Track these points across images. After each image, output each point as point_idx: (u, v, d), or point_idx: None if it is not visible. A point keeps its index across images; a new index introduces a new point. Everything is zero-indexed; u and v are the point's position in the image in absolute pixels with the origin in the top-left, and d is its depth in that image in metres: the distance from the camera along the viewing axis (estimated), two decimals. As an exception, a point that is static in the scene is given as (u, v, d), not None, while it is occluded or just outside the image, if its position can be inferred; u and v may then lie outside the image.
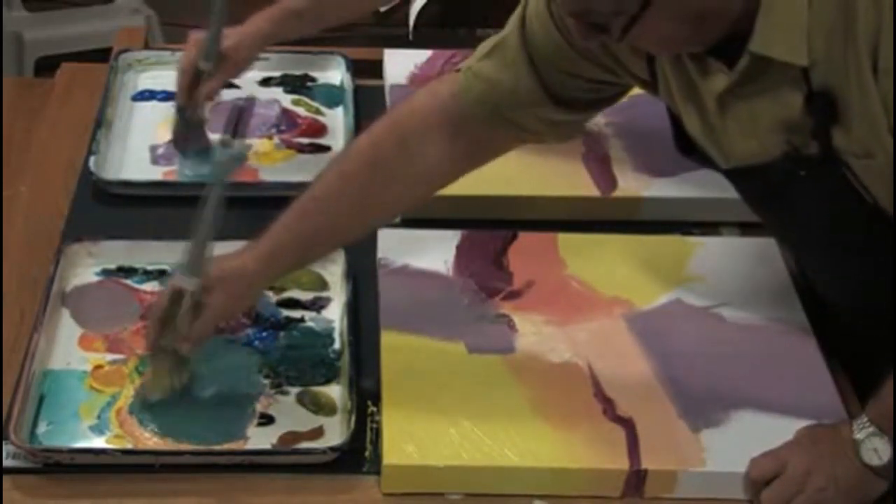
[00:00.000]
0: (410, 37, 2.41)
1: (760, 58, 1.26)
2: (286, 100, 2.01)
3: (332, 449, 1.38)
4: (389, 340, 1.51)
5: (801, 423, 1.41)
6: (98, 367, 1.49)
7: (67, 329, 1.55)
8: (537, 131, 1.49)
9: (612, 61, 1.43)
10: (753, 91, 1.31)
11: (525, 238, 1.70)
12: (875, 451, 1.34)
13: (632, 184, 1.81)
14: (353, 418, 1.40)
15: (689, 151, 1.46)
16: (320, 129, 1.95)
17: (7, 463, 1.37)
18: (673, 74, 1.39)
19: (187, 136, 1.84)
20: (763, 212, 1.50)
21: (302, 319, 1.58)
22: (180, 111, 1.82)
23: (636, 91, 2.01)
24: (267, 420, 1.44)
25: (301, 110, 1.99)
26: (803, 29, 1.24)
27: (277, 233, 1.45)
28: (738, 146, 1.36)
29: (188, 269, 1.40)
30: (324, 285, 1.63)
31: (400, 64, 2.06)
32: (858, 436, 1.34)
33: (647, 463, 1.38)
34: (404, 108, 1.50)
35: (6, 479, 1.35)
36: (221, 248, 1.64)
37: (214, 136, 1.86)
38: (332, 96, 2.02)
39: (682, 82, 1.39)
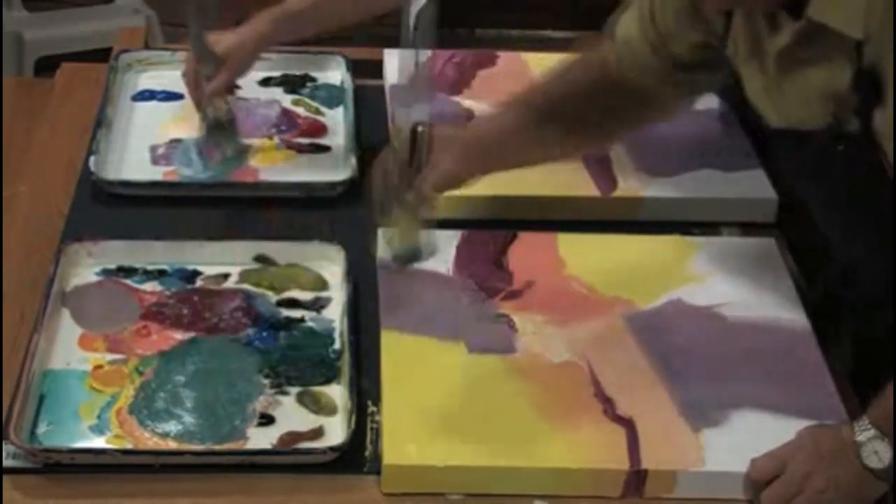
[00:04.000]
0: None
1: (817, 24, 1.28)
2: (286, 100, 2.01)
3: (332, 449, 1.38)
4: (389, 340, 1.51)
5: (801, 423, 1.41)
6: (98, 367, 1.49)
7: (67, 329, 1.55)
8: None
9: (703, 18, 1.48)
10: (809, 57, 1.33)
11: (525, 238, 1.70)
12: (876, 453, 1.34)
13: (632, 184, 1.81)
14: (353, 418, 1.40)
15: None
16: (320, 129, 1.95)
17: (7, 463, 1.36)
18: (743, 31, 1.42)
19: (218, 141, 1.85)
20: (796, 174, 1.53)
21: (302, 319, 1.58)
22: (204, 119, 1.84)
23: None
24: (267, 420, 1.44)
25: (301, 110, 1.99)
26: (861, 3, 1.25)
27: (480, 128, 1.55)
28: (789, 108, 1.39)
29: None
30: (324, 285, 1.63)
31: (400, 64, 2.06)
32: (859, 438, 1.34)
33: (647, 463, 1.38)
34: None
35: (6, 479, 1.35)
36: (222, 248, 1.65)
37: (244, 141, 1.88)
38: (332, 96, 2.02)
39: (750, 39, 1.41)
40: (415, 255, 1.55)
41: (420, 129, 1.46)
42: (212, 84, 1.79)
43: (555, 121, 1.57)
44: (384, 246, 1.58)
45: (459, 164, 1.56)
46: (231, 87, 1.89)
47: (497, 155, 1.60)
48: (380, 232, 1.58)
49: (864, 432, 1.34)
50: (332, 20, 1.85)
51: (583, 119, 1.59)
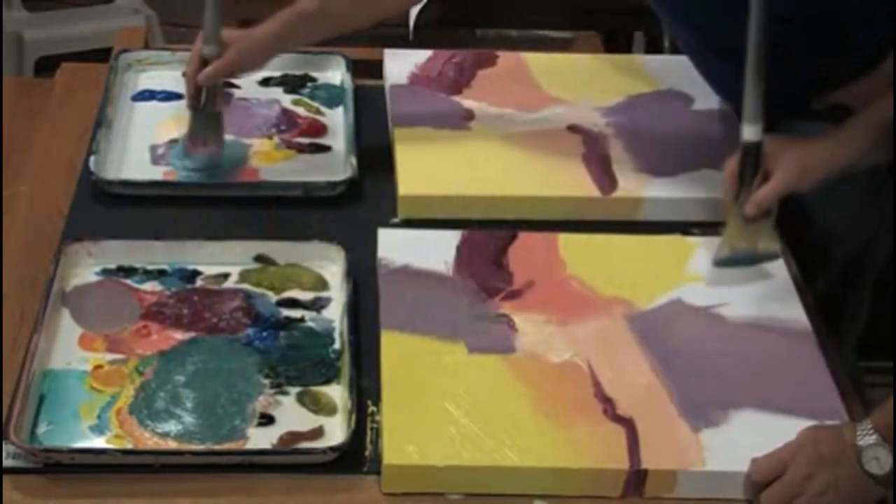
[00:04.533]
0: (410, 37, 2.41)
1: None
2: (286, 100, 2.01)
3: (332, 449, 1.38)
4: (389, 340, 1.51)
5: (802, 423, 1.41)
6: (98, 367, 1.49)
7: (67, 329, 1.54)
8: None
9: None
10: None
11: (525, 238, 1.70)
12: (876, 459, 1.34)
13: (632, 184, 1.81)
14: (353, 418, 1.40)
15: None
16: (320, 129, 1.95)
17: (7, 463, 1.36)
18: None
19: (204, 135, 1.82)
20: None
21: (302, 319, 1.58)
22: (193, 108, 1.81)
23: (636, 91, 2.03)
24: (267, 420, 1.44)
25: (301, 110, 1.99)
26: None
27: (854, 121, 1.52)
28: None
29: (749, 117, 1.47)
30: (324, 285, 1.63)
31: (400, 64, 2.07)
32: (860, 442, 1.34)
33: (647, 463, 1.38)
34: None
35: (6, 479, 1.35)
36: (222, 248, 1.65)
37: (229, 137, 1.85)
38: (332, 96, 2.02)
39: None
40: (750, 258, 1.57)
41: (750, 144, 1.50)
42: (208, 68, 1.76)
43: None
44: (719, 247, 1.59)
45: (798, 179, 1.53)
46: (228, 80, 1.87)
47: (839, 162, 1.56)
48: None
49: (866, 437, 1.34)
50: (345, 22, 1.84)
51: None
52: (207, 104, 1.79)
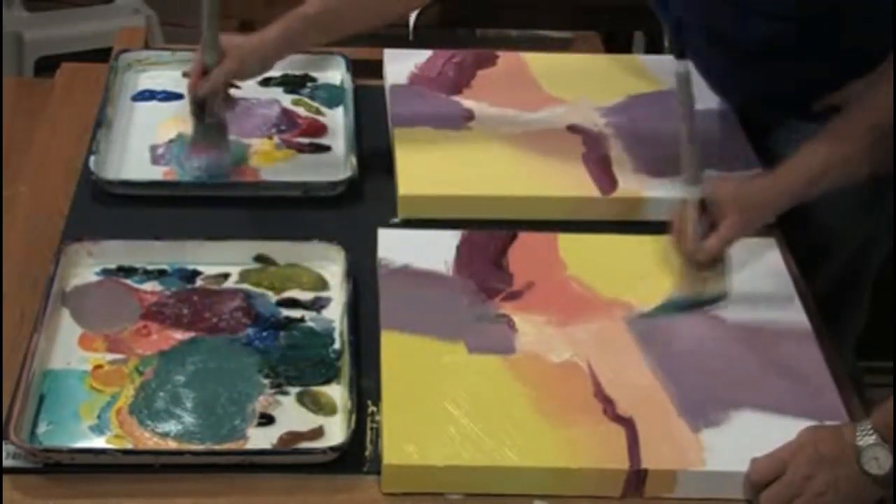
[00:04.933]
0: (410, 37, 2.41)
1: None
2: (286, 100, 2.01)
3: (332, 449, 1.38)
4: (389, 340, 1.51)
5: (802, 424, 1.41)
6: (98, 367, 1.49)
7: (67, 329, 1.54)
8: None
9: None
10: None
11: (525, 238, 1.70)
12: (876, 459, 1.34)
13: (632, 184, 1.81)
14: (353, 418, 1.40)
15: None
16: (320, 129, 1.95)
17: (7, 463, 1.36)
18: None
19: (207, 143, 1.81)
20: None
21: (302, 319, 1.58)
22: (196, 114, 1.80)
23: (636, 91, 2.02)
24: (267, 420, 1.44)
25: (301, 110, 1.99)
26: None
27: (792, 172, 1.56)
28: None
29: (689, 181, 1.55)
30: (324, 285, 1.63)
31: (400, 64, 2.07)
32: (860, 442, 1.34)
33: (647, 463, 1.38)
34: None
35: (6, 479, 1.35)
36: (222, 248, 1.65)
37: (233, 138, 1.85)
38: (332, 96, 2.02)
39: None
40: (696, 302, 1.59)
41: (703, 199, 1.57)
42: (207, 78, 1.76)
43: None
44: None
45: (743, 225, 1.56)
46: (228, 88, 1.87)
47: (781, 206, 1.61)
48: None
49: (866, 437, 1.34)
50: (347, 27, 1.82)
51: None
52: (210, 113, 1.79)
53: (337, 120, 1.96)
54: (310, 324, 1.57)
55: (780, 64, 1.77)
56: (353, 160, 1.82)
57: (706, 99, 1.98)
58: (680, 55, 1.51)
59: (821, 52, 1.73)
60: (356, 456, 1.40)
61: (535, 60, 2.10)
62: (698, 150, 1.57)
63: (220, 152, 1.82)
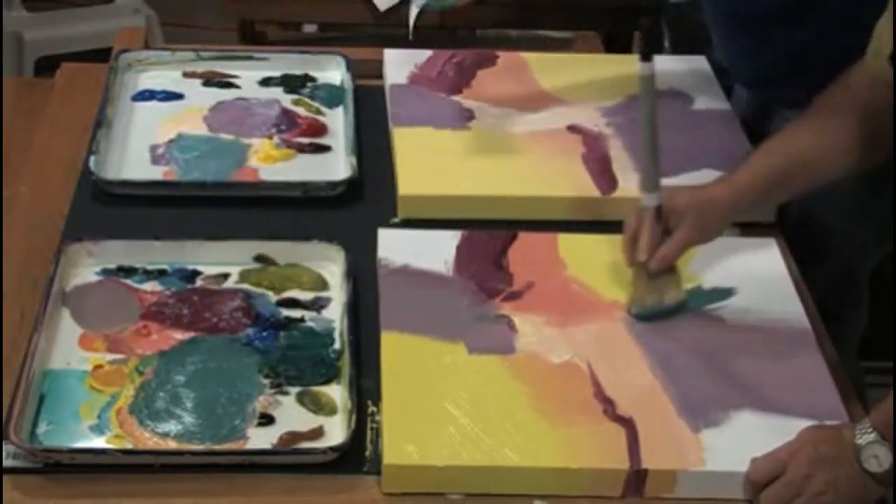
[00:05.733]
0: (410, 37, 2.41)
1: None
2: (286, 100, 2.01)
3: (332, 449, 1.38)
4: (389, 340, 1.51)
5: (802, 423, 1.41)
6: (98, 367, 1.49)
7: (67, 329, 1.54)
8: None
9: None
10: None
11: (525, 238, 1.70)
12: (876, 457, 1.34)
13: (632, 184, 1.80)
14: (353, 418, 1.40)
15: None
16: (320, 129, 1.95)
17: (7, 463, 1.37)
18: None
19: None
20: None
21: (302, 319, 1.58)
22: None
23: (636, 91, 2.02)
24: (267, 420, 1.44)
25: (301, 110, 1.99)
26: None
27: (748, 169, 1.56)
28: None
29: (645, 187, 1.54)
30: (324, 285, 1.63)
31: (400, 64, 2.07)
32: (860, 441, 1.34)
33: (647, 463, 1.38)
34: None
35: (6, 479, 1.35)
36: (222, 248, 1.65)
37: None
38: (332, 96, 2.02)
39: None
40: (659, 311, 1.58)
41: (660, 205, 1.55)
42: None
43: (797, 177, 1.56)
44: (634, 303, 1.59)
45: (700, 230, 1.56)
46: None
47: (736, 214, 1.60)
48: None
49: (865, 435, 1.34)
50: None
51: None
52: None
53: (337, 120, 1.96)
54: (310, 324, 1.57)
55: (777, 30, 1.79)
56: (353, 160, 1.82)
57: (707, 99, 1.98)
58: (645, 58, 1.51)
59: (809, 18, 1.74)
60: (356, 456, 1.40)
61: (535, 60, 2.11)
62: (657, 156, 1.56)
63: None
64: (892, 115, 1.47)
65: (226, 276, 1.64)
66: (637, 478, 1.38)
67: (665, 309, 1.58)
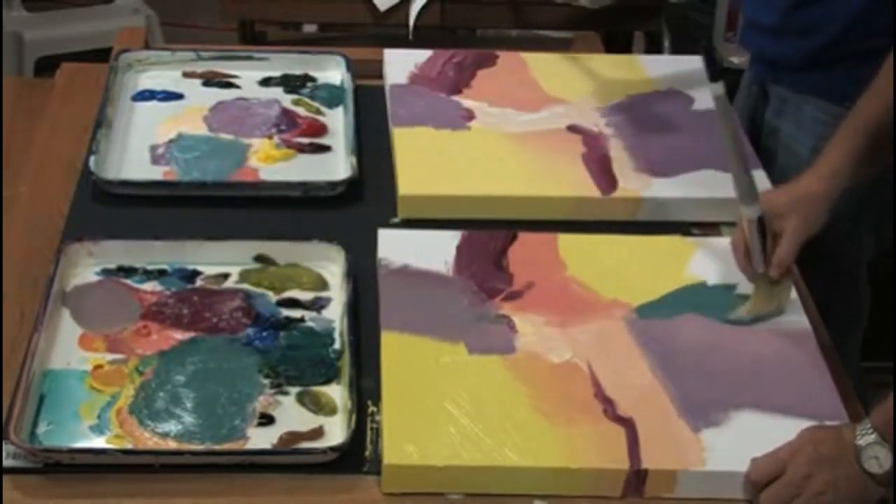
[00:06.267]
0: (410, 37, 2.41)
1: None
2: (286, 100, 2.01)
3: (332, 449, 1.38)
4: (389, 340, 1.51)
5: (802, 424, 1.41)
6: (98, 367, 1.49)
7: (67, 329, 1.54)
8: None
9: None
10: None
11: (525, 238, 1.70)
12: (876, 458, 1.34)
13: (632, 184, 1.81)
14: (353, 418, 1.40)
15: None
16: (320, 129, 1.95)
17: (7, 463, 1.37)
18: None
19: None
20: None
21: (302, 319, 1.58)
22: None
23: (636, 91, 2.03)
24: (267, 420, 1.44)
25: (301, 110, 1.99)
26: None
27: (833, 153, 1.58)
28: None
29: (744, 200, 1.54)
30: (324, 285, 1.63)
31: (400, 64, 2.07)
32: (860, 442, 1.34)
33: (647, 463, 1.38)
34: None
35: (6, 479, 1.35)
36: (222, 248, 1.65)
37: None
38: (332, 96, 2.02)
39: None
40: (773, 314, 1.59)
41: (761, 217, 1.55)
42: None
43: (880, 143, 1.58)
44: (744, 309, 1.59)
45: (806, 225, 1.57)
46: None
47: (835, 199, 1.60)
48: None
49: (865, 436, 1.34)
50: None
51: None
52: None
53: (337, 120, 1.96)
54: (310, 324, 1.57)
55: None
56: (353, 160, 1.82)
57: (707, 99, 1.97)
58: (714, 77, 1.51)
59: None
60: (356, 456, 1.40)
61: (535, 60, 2.11)
62: (748, 168, 1.55)
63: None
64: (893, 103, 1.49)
65: (226, 276, 1.64)
66: (637, 478, 1.38)
67: (778, 312, 1.59)
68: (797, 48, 1.87)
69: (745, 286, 1.62)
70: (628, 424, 1.42)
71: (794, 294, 1.62)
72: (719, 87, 1.49)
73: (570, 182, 1.81)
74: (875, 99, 1.59)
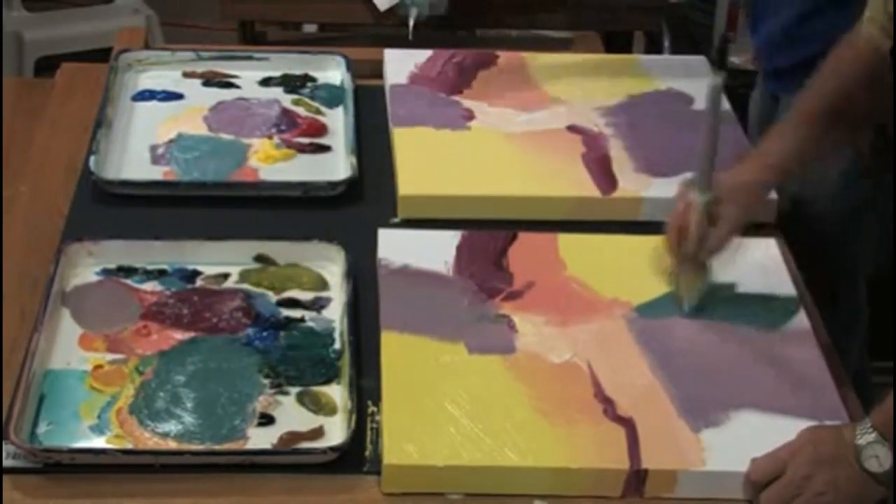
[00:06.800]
0: (410, 37, 2.41)
1: None
2: (286, 100, 2.01)
3: (332, 449, 1.38)
4: (389, 340, 1.51)
5: (802, 424, 1.41)
6: (98, 367, 1.49)
7: (67, 329, 1.54)
8: None
9: None
10: None
11: (525, 238, 1.70)
12: (876, 457, 1.34)
13: (632, 184, 1.81)
14: (353, 418, 1.40)
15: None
16: (320, 129, 1.95)
17: (7, 463, 1.36)
18: None
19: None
20: None
21: (302, 319, 1.58)
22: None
23: (636, 91, 2.03)
24: (267, 420, 1.44)
25: (301, 110, 1.99)
26: None
27: (774, 144, 1.60)
28: None
29: (699, 185, 1.56)
30: (324, 285, 1.63)
31: (400, 64, 2.07)
32: (860, 441, 1.34)
33: (647, 463, 1.38)
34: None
35: (6, 479, 1.35)
36: (222, 248, 1.65)
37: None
38: (332, 96, 2.02)
39: None
40: (701, 301, 1.61)
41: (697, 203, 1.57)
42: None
43: (838, 122, 1.60)
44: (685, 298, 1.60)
45: (744, 213, 1.59)
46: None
47: (771, 189, 1.65)
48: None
49: (865, 436, 1.34)
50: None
51: (856, 111, 1.61)
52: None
53: (337, 120, 1.97)
54: (310, 324, 1.57)
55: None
56: (353, 160, 1.82)
57: (706, 99, 1.98)
58: (720, 67, 1.51)
59: None
60: (356, 456, 1.40)
61: (535, 60, 2.11)
62: (714, 160, 1.57)
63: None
64: (892, 103, 1.49)
65: (226, 276, 1.64)
66: (637, 478, 1.38)
67: (706, 291, 1.60)
68: (802, 56, 1.87)
69: (744, 285, 1.62)
70: (628, 424, 1.42)
71: (793, 292, 1.62)
72: (718, 78, 1.54)
73: (570, 182, 1.81)
74: (818, 90, 1.60)
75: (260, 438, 1.41)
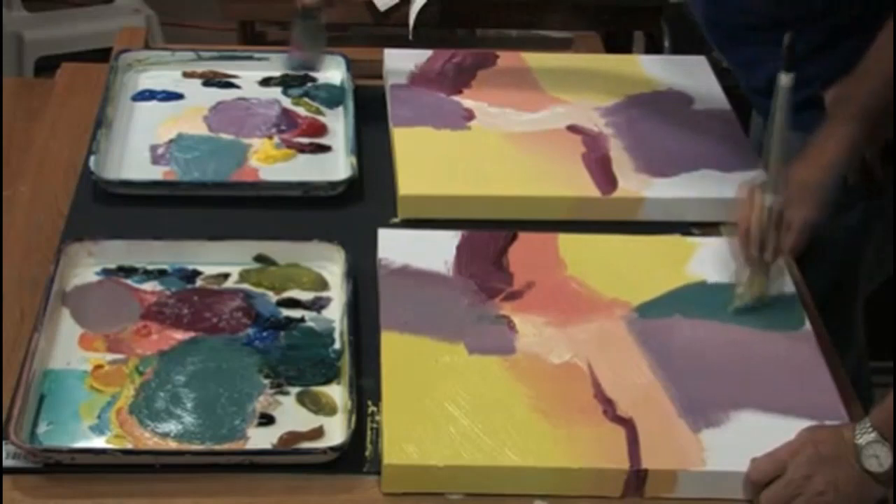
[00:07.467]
0: (410, 37, 2.41)
1: None
2: (286, 100, 2.01)
3: (332, 449, 1.38)
4: (389, 340, 1.52)
5: (801, 424, 1.41)
6: (98, 366, 1.49)
7: (67, 329, 1.54)
8: None
9: None
10: None
11: (525, 238, 1.70)
12: (876, 457, 1.34)
13: (632, 184, 1.81)
14: (353, 418, 1.40)
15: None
16: (320, 129, 1.95)
17: (7, 463, 1.37)
18: None
19: (305, 38, 1.95)
20: None
21: (302, 319, 1.58)
22: (303, 17, 1.91)
23: (636, 91, 2.03)
24: (267, 420, 1.44)
25: (301, 110, 1.99)
26: None
27: (829, 143, 1.60)
28: None
29: (770, 188, 1.56)
30: (324, 285, 1.63)
31: (400, 64, 2.07)
32: (860, 441, 1.34)
33: (647, 463, 1.38)
34: None
35: (6, 479, 1.35)
36: (222, 248, 1.65)
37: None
38: (332, 96, 2.02)
39: None
40: (769, 296, 1.61)
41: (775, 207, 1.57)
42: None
43: (875, 126, 1.61)
44: (738, 297, 1.61)
45: (813, 214, 1.58)
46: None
47: (830, 185, 1.62)
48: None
49: (865, 435, 1.34)
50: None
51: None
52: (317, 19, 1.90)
53: (337, 120, 1.97)
54: (310, 324, 1.57)
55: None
56: (353, 160, 1.82)
57: (707, 99, 1.98)
58: (788, 69, 1.51)
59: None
60: (356, 456, 1.40)
61: (535, 60, 2.11)
62: (786, 162, 1.56)
63: (318, 50, 1.95)
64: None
65: (226, 276, 1.64)
66: (637, 478, 1.38)
67: (767, 295, 1.61)
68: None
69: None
70: (628, 424, 1.42)
71: (793, 290, 1.62)
72: (787, 79, 1.51)
73: (570, 182, 1.81)
74: (866, 84, 1.60)
75: (260, 438, 1.41)
